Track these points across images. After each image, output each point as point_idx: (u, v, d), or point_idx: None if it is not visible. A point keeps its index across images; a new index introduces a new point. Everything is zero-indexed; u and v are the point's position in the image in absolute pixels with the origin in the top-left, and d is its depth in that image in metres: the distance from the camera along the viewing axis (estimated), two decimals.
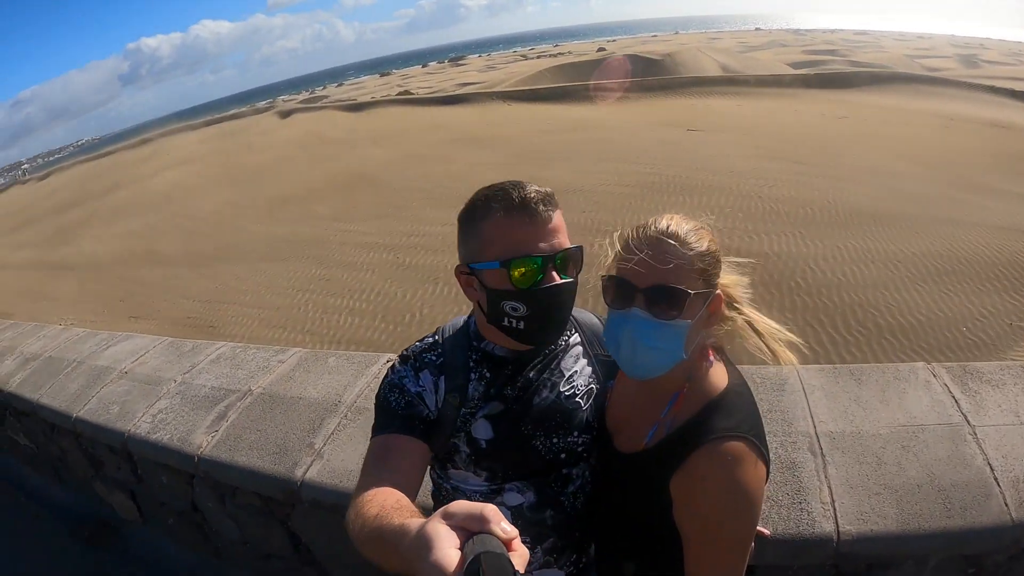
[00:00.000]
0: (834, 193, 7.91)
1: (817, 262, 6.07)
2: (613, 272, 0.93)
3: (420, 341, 1.08)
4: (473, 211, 0.95)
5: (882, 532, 1.32)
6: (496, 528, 0.49)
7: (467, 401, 1.00)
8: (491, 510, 0.51)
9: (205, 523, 2.43)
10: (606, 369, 1.10)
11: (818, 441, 1.57)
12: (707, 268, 0.89)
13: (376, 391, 1.03)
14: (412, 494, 0.87)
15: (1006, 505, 1.33)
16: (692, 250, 0.87)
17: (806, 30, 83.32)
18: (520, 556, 0.49)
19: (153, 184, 18.66)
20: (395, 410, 0.97)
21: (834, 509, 1.38)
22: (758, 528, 1.34)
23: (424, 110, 23.08)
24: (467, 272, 0.97)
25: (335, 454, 1.94)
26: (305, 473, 1.88)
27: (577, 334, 1.11)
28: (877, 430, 1.59)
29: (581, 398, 1.05)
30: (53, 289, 10.34)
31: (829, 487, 1.43)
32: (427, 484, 1.09)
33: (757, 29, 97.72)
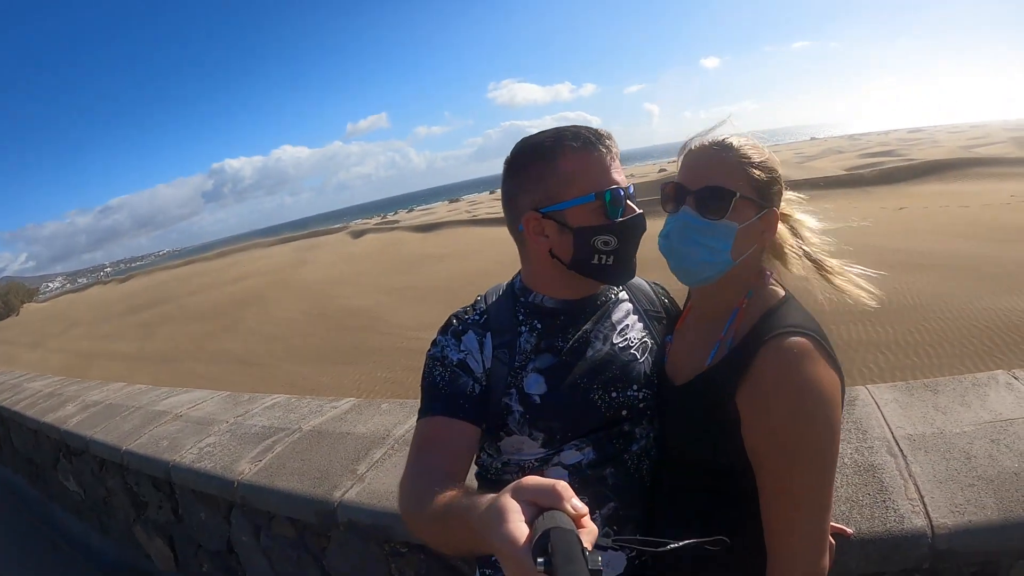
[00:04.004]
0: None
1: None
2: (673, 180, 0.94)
3: (462, 308, 1.04)
4: (542, 153, 0.92)
5: (983, 523, 1.13)
6: (566, 504, 0.50)
7: (517, 355, 0.95)
8: (562, 486, 0.51)
9: (239, 567, 2.34)
10: (658, 327, 1.06)
11: (897, 444, 1.44)
12: (762, 180, 0.88)
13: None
14: (461, 479, 0.85)
15: None
16: (747, 159, 0.88)
17: (861, 134, 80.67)
18: (589, 533, 0.49)
19: (230, 291, 20.14)
20: (439, 387, 0.92)
21: (924, 504, 1.21)
22: (838, 526, 1.17)
23: (488, 230, 24.73)
24: (539, 217, 0.93)
25: (378, 479, 1.86)
26: (344, 495, 1.81)
27: (624, 291, 1.08)
28: (961, 428, 1.44)
29: (636, 350, 1.00)
30: (129, 376, 10.99)
31: (915, 484, 1.27)
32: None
33: (812, 139, 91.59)
